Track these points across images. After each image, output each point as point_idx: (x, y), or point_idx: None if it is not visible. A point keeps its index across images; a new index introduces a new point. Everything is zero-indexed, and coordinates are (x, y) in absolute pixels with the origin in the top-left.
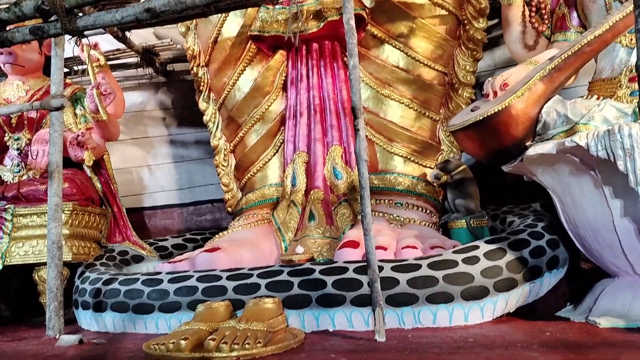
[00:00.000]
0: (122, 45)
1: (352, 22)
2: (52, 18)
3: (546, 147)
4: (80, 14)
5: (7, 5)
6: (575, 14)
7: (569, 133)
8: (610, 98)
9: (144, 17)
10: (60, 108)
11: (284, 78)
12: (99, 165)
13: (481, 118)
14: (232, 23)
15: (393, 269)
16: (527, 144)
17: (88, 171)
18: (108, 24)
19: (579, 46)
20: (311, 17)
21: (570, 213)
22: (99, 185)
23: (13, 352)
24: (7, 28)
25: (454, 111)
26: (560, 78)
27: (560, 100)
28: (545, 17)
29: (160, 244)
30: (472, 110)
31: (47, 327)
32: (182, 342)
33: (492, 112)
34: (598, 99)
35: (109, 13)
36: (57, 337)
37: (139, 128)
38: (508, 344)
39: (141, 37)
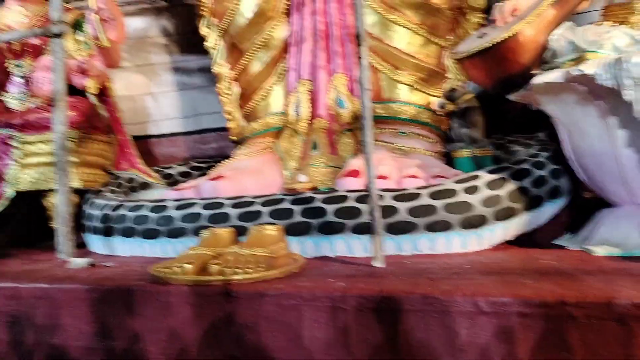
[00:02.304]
0: None
1: None
2: None
3: (553, 76)
4: None
5: None
6: None
7: (577, 61)
8: (625, 23)
9: None
10: (60, 35)
11: (288, 3)
12: (103, 93)
13: (488, 45)
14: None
15: (394, 198)
16: (535, 72)
17: (92, 99)
18: None
19: None
20: None
21: (575, 143)
22: (103, 113)
23: (29, 273)
24: None
25: (461, 37)
26: (572, 3)
27: (571, 27)
28: None
29: (166, 171)
30: (479, 37)
31: (58, 251)
32: (187, 265)
33: (500, 39)
34: (611, 25)
35: None
36: (68, 260)
37: (142, 55)
38: (503, 270)
39: None
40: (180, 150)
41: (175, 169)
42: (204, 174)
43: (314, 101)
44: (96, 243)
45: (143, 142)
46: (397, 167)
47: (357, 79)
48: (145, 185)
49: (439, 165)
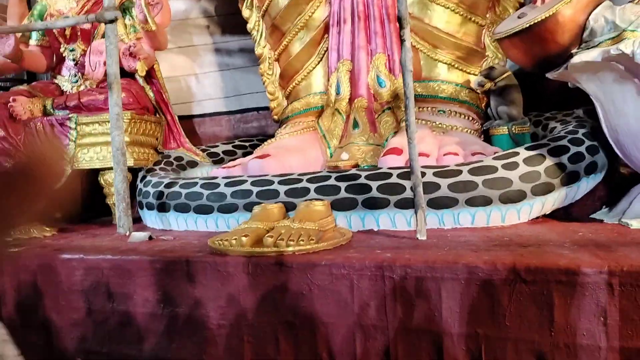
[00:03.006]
0: None
1: None
2: None
3: (592, 55)
4: None
5: None
6: None
7: (615, 40)
8: None
9: None
10: (114, 20)
11: None
12: (150, 75)
13: (527, 25)
14: None
15: (435, 174)
16: (573, 51)
17: (141, 81)
18: None
19: None
20: None
21: (612, 120)
22: (152, 94)
23: (92, 247)
24: None
25: (500, 15)
26: None
27: (610, 6)
28: None
29: (212, 150)
30: (518, 17)
31: (117, 225)
32: (244, 238)
33: (539, 20)
34: None
35: None
36: (127, 234)
37: (184, 36)
38: (541, 242)
39: None
40: (224, 129)
41: (220, 148)
42: (247, 153)
43: (354, 80)
44: (152, 218)
45: (188, 122)
46: (437, 145)
47: (399, 60)
48: (193, 164)
49: (477, 143)
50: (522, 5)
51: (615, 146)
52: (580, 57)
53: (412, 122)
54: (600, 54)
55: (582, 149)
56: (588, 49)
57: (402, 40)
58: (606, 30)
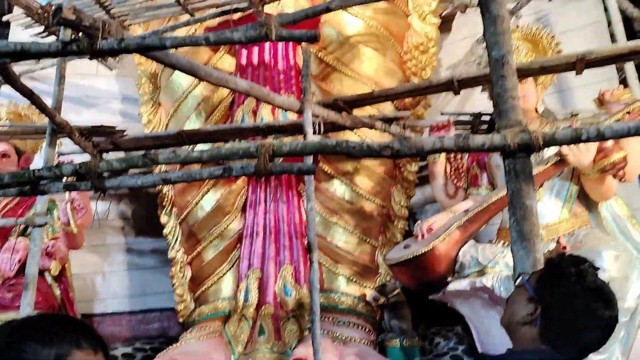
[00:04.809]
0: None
1: (312, 180)
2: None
3: (462, 284)
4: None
5: (49, 166)
6: (485, 175)
7: (480, 273)
8: None
9: (160, 183)
10: (43, 225)
11: (244, 200)
12: (60, 273)
13: (412, 256)
14: None
15: None
16: (449, 279)
17: (49, 279)
18: (131, 186)
19: (487, 204)
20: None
21: (483, 339)
22: (58, 292)
23: None
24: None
25: (390, 239)
26: (473, 227)
27: (474, 245)
28: (462, 174)
29: (111, 353)
30: (405, 247)
31: None
32: None
33: (420, 253)
34: (503, 244)
35: (132, 178)
36: None
37: (99, 236)
38: None
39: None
40: (123, 329)
41: (120, 350)
42: (147, 356)
43: (262, 288)
44: None
45: (88, 320)
46: (338, 356)
47: (304, 271)
48: None
49: (374, 355)
50: (407, 232)
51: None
52: (454, 285)
53: (317, 335)
54: (468, 284)
55: None
56: (460, 278)
57: (310, 262)
58: (472, 265)
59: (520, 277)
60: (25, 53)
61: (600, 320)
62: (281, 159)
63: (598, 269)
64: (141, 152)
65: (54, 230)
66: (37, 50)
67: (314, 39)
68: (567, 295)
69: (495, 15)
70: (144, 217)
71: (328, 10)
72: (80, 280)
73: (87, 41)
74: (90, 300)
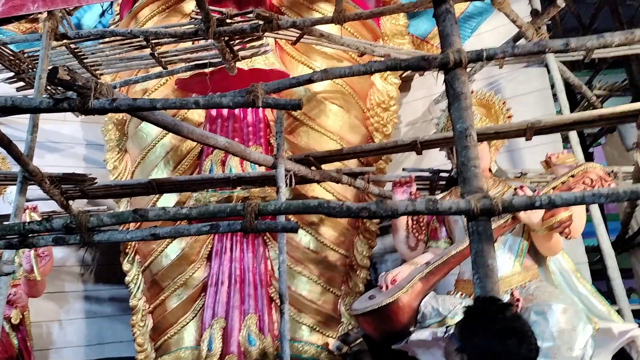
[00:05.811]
0: (58, 208)
1: (285, 235)
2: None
3: (423, 334)
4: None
5: (39, 219)
6: (444, 229)
7: (440, 323)
8: (470, 296)
9: (149, 238)
10: (11, 273)
11: (209, 249)
12: (20, 322)
13: (377, 307)
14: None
15: None
16: (411, 329)
17: (7, 327)
18: (119, 241)
19: (446, 257)
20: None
21: None
22: (16, 342)
23: None
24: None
25: (353, 289)
26: (434, 279)
27: (434, 296)
28: (423, 227)
29: None
30: (370, 298)
31: None
32: None
33: (385, 304)
34: (461, 295)
35: (120, 233)
36: None
37: (57, 283)
38: None
39: (79, 203)
40: None
41: None
42: None
43: (226, 338)
44: None
45: None
46: None
47: (268, 320)
48: None
49: None
50: (369, 283)
51: None
52: (416, 335)
53: None
54: (429, 334)
55: None
56: (422, 328)
57: (281, 313)
58: (433, 315)
59: (452, 329)
60: (16, 108)
61: (517, 356)
62: None
63: (511, 305)
64: (129, 206)
65: (14, 277)
66: (29, 105)
67: (297, 107)
68: (485, 338)
69: (459, 92)
70: (104, 264)
71: (310, 81)
72: (37, 328)
73: (79, 100)
74: (45, 349)
